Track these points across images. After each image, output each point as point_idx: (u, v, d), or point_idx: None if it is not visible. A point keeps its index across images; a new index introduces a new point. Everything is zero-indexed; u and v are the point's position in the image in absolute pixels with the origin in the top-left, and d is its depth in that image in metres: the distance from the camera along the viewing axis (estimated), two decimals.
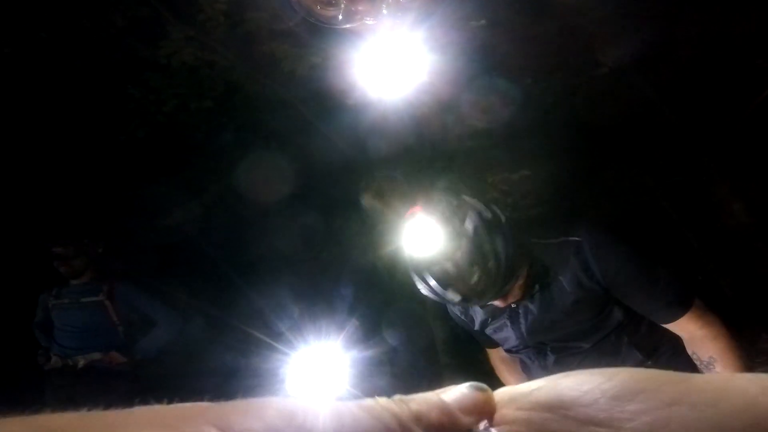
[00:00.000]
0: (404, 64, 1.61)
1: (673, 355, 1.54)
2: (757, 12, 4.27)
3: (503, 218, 1.27)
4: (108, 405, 0.23)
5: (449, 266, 1.20)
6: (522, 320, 1.49)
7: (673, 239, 6.26)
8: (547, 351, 1.55)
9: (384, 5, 0.82)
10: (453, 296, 1.25)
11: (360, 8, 0.80)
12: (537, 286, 1.44)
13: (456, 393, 0.25)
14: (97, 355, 3.19)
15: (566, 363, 1.51)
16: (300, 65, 4.05)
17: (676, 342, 1.54)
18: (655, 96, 5.67)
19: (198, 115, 4.86)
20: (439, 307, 5.42)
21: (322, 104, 5.10)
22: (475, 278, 1.20)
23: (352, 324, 5.99)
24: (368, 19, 0.84)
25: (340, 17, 0.89)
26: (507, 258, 1.20)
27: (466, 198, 1.29)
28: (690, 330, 1.44)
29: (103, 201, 4.71)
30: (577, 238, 1.39)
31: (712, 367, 1.41)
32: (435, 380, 5.54)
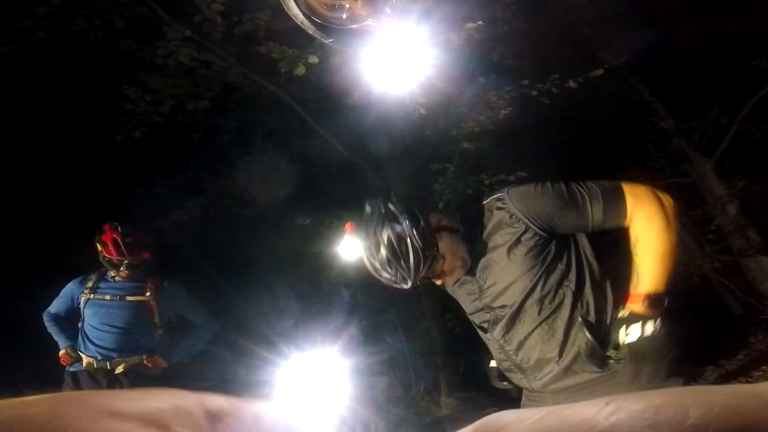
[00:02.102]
0: (405, 65, 1.62)
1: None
2: (754, 13, 4.30)
3: (418, 218, 1.56)
4: None
5: (376, 262, 1.55)
6: (481, 281, 1.65)
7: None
8: (498, 322, 1.61)
9: (388, 5, 0.82)
10: (388, 281, 1.57)
11: (364, 8, 0.80)
12: (476, 249, 1.62)
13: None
14: (136, 359, 2.99)
15: (514, 336, 1.59)
16: (297, 66, 4.04)
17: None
18: (651, 96, 5.69)
19: (195, 116, 4.85)
20: (436, 310, 5.44)
21: (320, 105, 5.10)
22: (391, 269, 1.52)
23: (351, 327, 5.98)
24: (372, 19, 0.84)
25: (344, 17, 0.89)
26: (414, 251, 1.50)
27: (390, 206, 1.59)
28: (631, 219, 1.52)
29: (99, 201, 4.69)
30: (500, 194, 1.61)
31: (635, 247, 1.51)
32: (432, 381, 5.54)
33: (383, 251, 1.52)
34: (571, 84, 4.55)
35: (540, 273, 1.54)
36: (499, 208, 1.58)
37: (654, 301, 1.45)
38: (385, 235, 1.53)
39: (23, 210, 4.80)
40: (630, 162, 6.08)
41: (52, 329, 3.07)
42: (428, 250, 1.52)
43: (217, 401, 0.26)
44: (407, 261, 1.51)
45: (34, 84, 4.13)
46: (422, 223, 1.55)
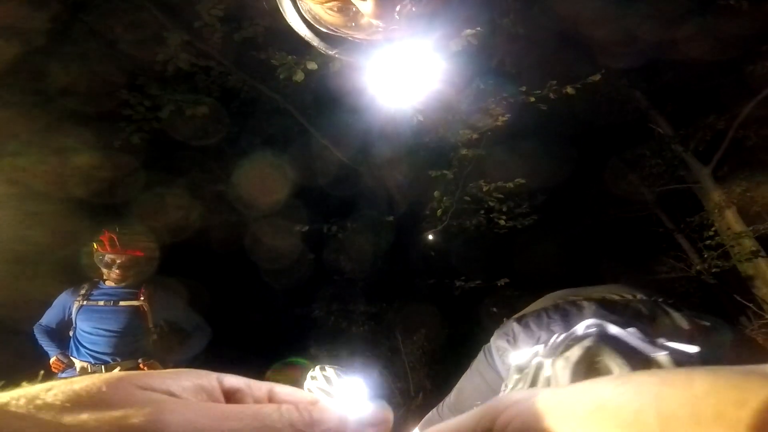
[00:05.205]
0: (405, 72, 1.62)
1: None
2: (750, 18, 4.32)
3: None
4: None
5: None
6: None
7: (666, 246, 6.31)
8: None
9: (396, 13, 0.82)
10: None
11: (375, 12, 0.79)
12: None
13: (362, 409, 0.28)
14: (131, 363, 2.98)
15: None
16: (296, 72, 4.05)
17: None
18: (649, 102, 5.71)
19: (193, 121, 4.84)
20: (436, 317, 5.42)
21: (319, 111, 5.10)
22: None
23: (358, 326, 5.96)
24: (380, 27, 0.84)
25: (351, 25, 0.89)
26: None
27: None
28: None
29: (100, 206, 4.67)
30: None
31: None
32: (431, 390, 5.52)
33: None
34: (569, 90, 4.56)
35: None
36: None
37: None
38: None
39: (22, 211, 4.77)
40: (628, 168, 6.10)
41: (43, 341, 3.05)
42: None
43: (233, 380, 0.28)
44: None
45: (32, 88, 4.12)
46: None
